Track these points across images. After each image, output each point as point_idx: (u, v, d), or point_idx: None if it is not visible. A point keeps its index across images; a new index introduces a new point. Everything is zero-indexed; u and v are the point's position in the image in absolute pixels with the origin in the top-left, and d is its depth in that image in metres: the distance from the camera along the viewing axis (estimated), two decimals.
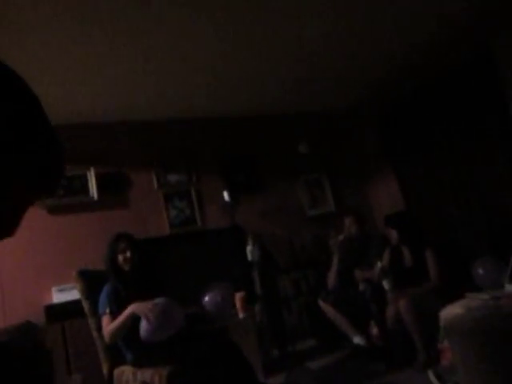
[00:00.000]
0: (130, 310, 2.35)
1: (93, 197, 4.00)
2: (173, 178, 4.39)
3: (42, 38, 2.79)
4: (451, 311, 2.77)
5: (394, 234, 3.52)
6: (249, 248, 3.95)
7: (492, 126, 3.68)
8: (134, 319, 2.34)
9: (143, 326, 2.30)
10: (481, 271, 3.10)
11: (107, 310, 2.43)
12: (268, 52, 3.55)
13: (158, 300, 2.38)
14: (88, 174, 4.02)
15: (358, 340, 3.46)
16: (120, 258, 2.58)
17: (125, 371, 2.46)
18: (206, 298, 3.26)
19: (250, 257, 3.94)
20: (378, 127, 4.84)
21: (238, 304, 3.42)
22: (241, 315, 3.42)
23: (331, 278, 3.87)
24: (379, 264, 3.46)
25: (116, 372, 2.50)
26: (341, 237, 3.90)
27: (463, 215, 4.01)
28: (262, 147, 4.79)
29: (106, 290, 2.53)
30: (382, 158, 4.84)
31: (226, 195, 4.34)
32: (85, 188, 4.00)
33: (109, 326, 2.38)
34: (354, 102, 4.97)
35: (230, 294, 3.23)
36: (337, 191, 5.00)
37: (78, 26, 2.74)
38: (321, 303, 3.73)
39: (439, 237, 3.97)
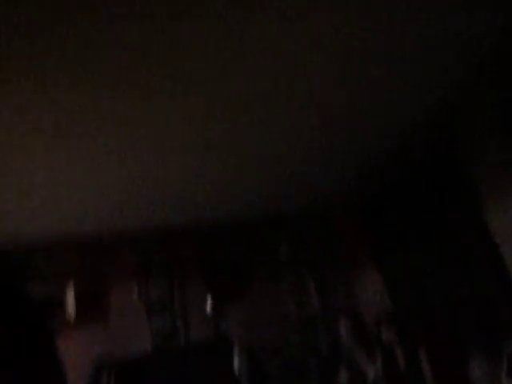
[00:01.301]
0: None
1: (71, 315, 3.84)
2: (154, 287, 4.28)
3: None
4: None
5: (387, 333, 3.42)
6: (236, 361, 3.77)
7: (465, 219, 3.79)
8: None
9: None
10: (477, 371, 3.00)
11: None
12: (244, 158, 3.65)
13: None
14: (67, 292, 3.89)
15: None
16: None
17: None
18: None
19: (237, 371, 3.75)
20: (358, 220, 4.92)
21: None
22: None
23: None
24: (372, 367, 3.32)
25: None
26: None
27: (451, 306, 3.96)
28: (243, 253, 4.77)
29: None
30: (364, 252, 4.87)
31: (209, 305, 4.24)
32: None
33: None
34: (333, 199, 5.08)
35: None
36: (322, 290, 4.93)
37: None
38: None
39: (429, 332, 3.87)
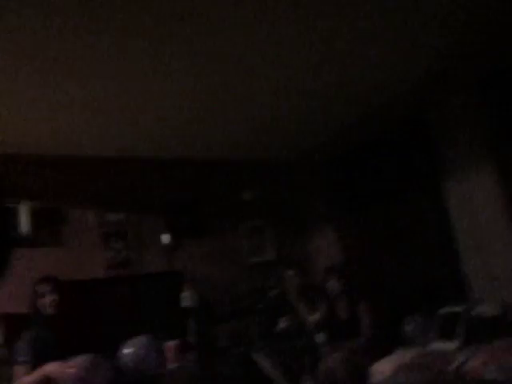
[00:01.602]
0: (43, 372, 2.16)
1: (24, 231, 3.79)
2: (112, 216, 4.26)
3: None
4: (381, 368, 2.81)
5: (334, 285, 3.56)
6: (184, 294, 3.85)
7: (425, 188, 3.89)
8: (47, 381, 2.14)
9: None
10: (410, 328, 3.18)
11: (23, 359, 2.25)
12: (220, 95, 3.57)
13: (79, 359, 2.20)
14: (21, 207, 3.82)
15: None
16: (41, 301, 2.43)
17: None
18: (125, 352, 2.79)
19: (183, 303, 3.83)
20: (322, 178, 4.98)
21: (170, 354, 3.28)
22: (172, 365, 3.27)
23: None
24: (315, 316, 3.47)
25: None
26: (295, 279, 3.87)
27: (397, 270, 4.14)
28: (207, 192, 4.78)
29: (25, 336, 2.35)
30: (324, 209, 4.96)
31: (165, 238, 4.26)
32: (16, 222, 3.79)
33: (22, 379, 2.19)
34: (300, 153, 5.12)
35: (155, 349, 2.93)
36: (279, 239, 5.03)
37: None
38: (255, 355, 3.66)
39: (374, 290, 4.05)
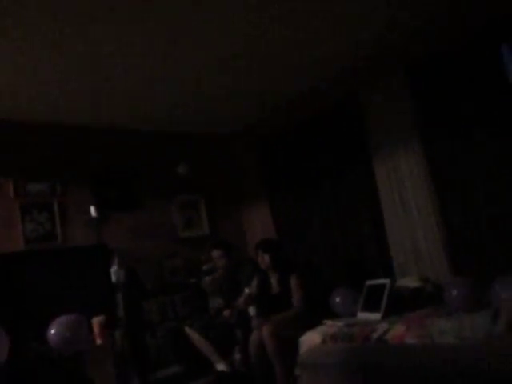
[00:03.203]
0: None
1: None
2: (34, 187, 3.97)
3: None
4: (310, 338, 2.90)
5: (264, 259, 3.60)
6: (113, 269, 3.71)
7: (356, 168, 4.01)
8: None
9: None
10: (338, 300, 3.30)
11: None
12: (160, 65, 3.43)
13: None
14: None
15: (221, 367, 3.43)
16: None
17: None
18: (53, 332, 2.71)
19: (114, 278, 3.70)
20: (256, 154, 4.97)
21: (96, 329, 3.17)
22: (98, 341, 3.16)
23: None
24: (247, 290, 3.50)
25: None
26: (208, 279, 3.90)
27: (327, 246, 4.26)
28: (138, 163, 4.59)
29: None
30: (258, 185, 4.97)
31: (93, 210, 4.06)
32: None
33: None
34: (236, 127, 5.07)
35: (82, 326, 2.78)
36: (212, 214, 4.99)
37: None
38: (187, 329, 3.64)
39: (305, 265, 4.16)
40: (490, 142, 3.16)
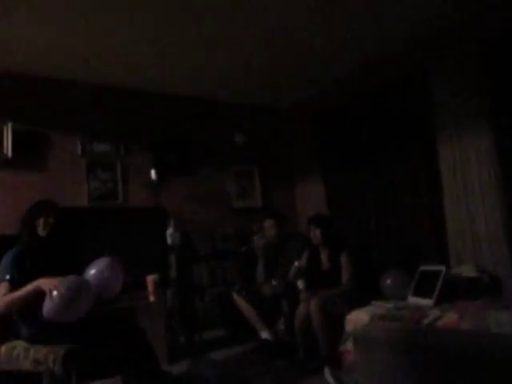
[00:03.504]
0: (36, 283, 2.16)
1: (7, 154, 3.67)
2: (99, 147, 4.15)
3: None
4: (357, 317, 2.89)
5: (316, 234, 3.59)
6: (169, 231, 3.85)
7: (417, 147, 3.86)
8: (38, 294, 2.15)
9: (47, 304, 2.11)
10: (388, 282, 3.25)
11: (7, 277, 2.23)
12: (215, 38, 3.47)
13: (69, 278, 2.19)
14: (5, 128, 3.68)
15: (265, 335, 3.51)
16: (40, 222, 2.40)
17: (16, 346, 2.27)
18: (92, 272, 2.41)
19: (169, 240, 3.85)
20: (312, 129, 4.91)
21: (150, 287, 3.32)
22: (151, 298, 3.32)
23: (259, 273, 3.89)
24: (296, 263, 3.52)
25: (5, 347, 2.30)
26: (261, 241, 3.91)
27: (380, 226, 4.19)
28: (197, 131, 4.67)
29: (10, 254, 2.31)
30: (313, 160, 4.93)
31: (153, 174, 4.20)
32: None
33: (6, 295, 2.18)
34: (293, 101, 5.02)
35: (118, 269, 2.48)
36: (266, 186, 5.03)
37: None
38: (234, 295, 3.74)
39: (356, 243, 4.12)
40: None
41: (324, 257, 3.60)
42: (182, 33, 3.39)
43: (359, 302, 3.08)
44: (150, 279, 3.35)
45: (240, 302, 3.69)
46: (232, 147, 4.84)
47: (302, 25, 3.38)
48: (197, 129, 4.67)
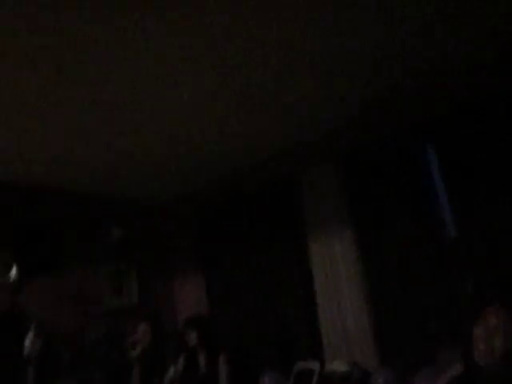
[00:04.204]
0: None
1: None
2: None
3: None
4: None
5: (192, 337, 3.46)
6: (28, 339, 3.41)
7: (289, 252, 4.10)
8: None
9: None
10: (267, 382, 3.21)
11: None
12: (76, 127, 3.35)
13: None
14: None
15: None
16: None
17: None
18: None
19: (27, 350, 3.38)
20: (193, 228, 4.95)
21: None
22: None
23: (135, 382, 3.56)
24: (172, 368, 3.32)
25: None
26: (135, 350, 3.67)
27: (259, 323, 4.21)
28: (68, 227, 4.38)
29: None
30: (194, 259, 4.90)
31: (14, 272, 3.77)
32: None
33: None
34: (170, 198, 5.08)
35: None
36: (143, 282, 4.80)
37: None
38: None
39: (235, 342, 4.04)
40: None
41: (202, 359, 3.45)
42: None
43: None
44: None
45: None
46: (107, 243, 4.60)
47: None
48: (69, 223, 4.38)
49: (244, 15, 2.37)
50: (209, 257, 4.76)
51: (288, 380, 3.11)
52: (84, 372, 3.88)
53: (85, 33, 2.33)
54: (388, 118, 3.55)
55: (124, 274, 4.70)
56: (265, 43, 2.62)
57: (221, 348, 3.44)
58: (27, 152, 3.61)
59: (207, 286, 4.69)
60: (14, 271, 3.77)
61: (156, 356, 3.63)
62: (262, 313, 4.19)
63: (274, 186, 4.24)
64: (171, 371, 3.31)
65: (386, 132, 3.57)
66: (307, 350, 3.71)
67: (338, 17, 2.48)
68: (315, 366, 3.02)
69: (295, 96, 3.23)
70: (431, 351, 2.94)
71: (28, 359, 3.38)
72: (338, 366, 3.24)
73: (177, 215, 5.17)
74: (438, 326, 3.07)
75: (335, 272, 3.67)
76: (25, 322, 3.54)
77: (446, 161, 3.34)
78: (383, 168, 3.58)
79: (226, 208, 4.64)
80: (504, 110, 2.98)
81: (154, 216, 5.16)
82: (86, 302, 4.27)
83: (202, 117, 3.41)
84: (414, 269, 3.32)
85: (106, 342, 4.19)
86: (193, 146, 3.89)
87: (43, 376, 3.41)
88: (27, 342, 3.39)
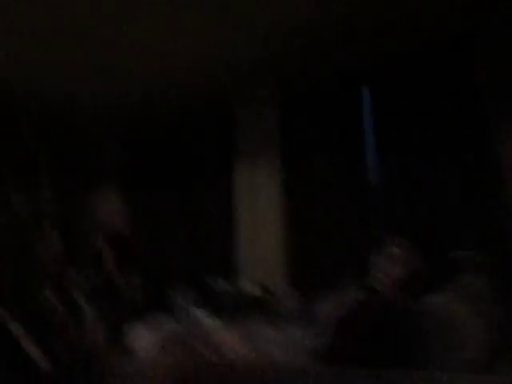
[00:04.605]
0: None
1: None
2: None
3: None
4: (139, 336, 2.74)
5: (107, 252, 3.40)
6: None
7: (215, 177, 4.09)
8: None
9: None
10: (175, 296, 3.21)
11: None
12: None
13: None
14: None
15: None
16: None
17: None
18: None
19: None
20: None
21: None
22: None
23: None
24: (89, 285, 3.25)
25: None
26: None
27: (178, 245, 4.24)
28: None
29: None
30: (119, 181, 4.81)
31: None
32: None
33: None
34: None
35: None
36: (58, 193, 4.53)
37: None
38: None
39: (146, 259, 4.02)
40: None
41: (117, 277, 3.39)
42: None
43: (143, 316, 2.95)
44: None
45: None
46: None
47: None
48: None
49: None
50: (135, 180, 4.66)
51: (194, 296, 3.13)
52: None
53: None
54: (326, 57, 3.46)
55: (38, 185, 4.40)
56: None
57: (131, 263, 3.42)
58: None
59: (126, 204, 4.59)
60: None
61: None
62: (182, 235, 4.23)
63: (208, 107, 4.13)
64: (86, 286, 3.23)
65: (322, 70, 3.52)
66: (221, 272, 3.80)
67: None
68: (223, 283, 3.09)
69: None
70: (339, 280, 3.11)
71: None
72: (246, 286, 3.30)
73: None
74: (348, 259, 3.25)
75: (257, 200, 3.73)
76: None
77: (378, 106, 3.39)
78: (318, 105, 3.58)
79: (157, 131, 4.51)
80: (439, 59, 3.02)
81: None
82: None
83: None
84: (335, 212, 3.44)
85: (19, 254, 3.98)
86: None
87: None
88: None
